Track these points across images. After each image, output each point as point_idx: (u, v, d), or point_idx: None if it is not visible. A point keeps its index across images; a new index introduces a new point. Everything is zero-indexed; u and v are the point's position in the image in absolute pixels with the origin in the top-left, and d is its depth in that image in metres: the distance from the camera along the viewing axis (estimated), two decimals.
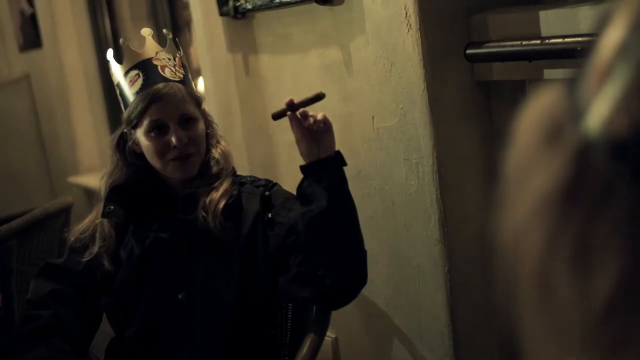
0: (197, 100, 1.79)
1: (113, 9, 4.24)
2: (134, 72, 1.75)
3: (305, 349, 1.76)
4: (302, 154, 1.66)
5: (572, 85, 0.43)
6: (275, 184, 1.85)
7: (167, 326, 1.74)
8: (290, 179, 1.93)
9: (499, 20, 1.84)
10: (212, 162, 1.79)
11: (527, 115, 0.46)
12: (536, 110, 0.45)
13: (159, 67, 1.75)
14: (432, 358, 2.08)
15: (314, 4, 2.15)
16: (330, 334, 2.33)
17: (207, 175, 1.77)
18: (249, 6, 2.41)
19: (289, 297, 1.79)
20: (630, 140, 0.39)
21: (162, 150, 1.72)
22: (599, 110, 0.40)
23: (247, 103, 2.59)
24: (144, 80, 1.73)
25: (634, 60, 0.40)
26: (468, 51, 1.87)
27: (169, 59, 1.78)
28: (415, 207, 1.99)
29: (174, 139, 1.70)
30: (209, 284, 1.72)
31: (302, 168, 1.67)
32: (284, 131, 2.43)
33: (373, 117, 2.07)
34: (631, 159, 0.39)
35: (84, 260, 1.78)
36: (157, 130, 1.72)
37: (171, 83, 1.74)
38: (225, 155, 1.81)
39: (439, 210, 1.91)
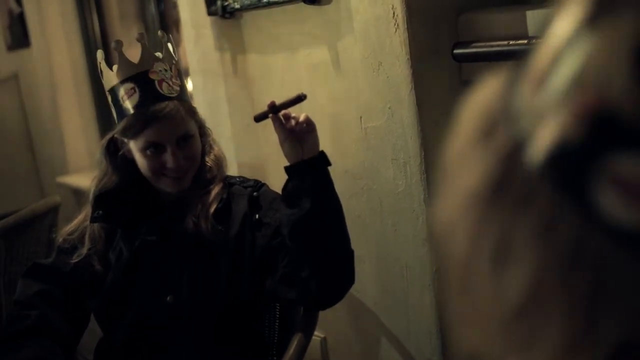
0: (193, 112, 1.75)
1: (102, 8, 4.23)
2: (129, 85, 1.67)
3: (292, 348, 1.77)
4: (286, 156, 1.65)
5: (510, 83, 0.44)
6: (263, 184, 1.84)
7: (156, 329, 1.73)
8: (278, 178, 1.93)
9: (486, 20, 1.85)
10: (206, 169, 1.77)
11: (467, 107, 0.46)
12: (476, 103, 0.46)
13: (155, 83, 1.68)
14: (420, 357, 2.08)
15: (302, 4, 2.15)
16: (318, 334, 2.33)
17: (199, 181, 1.75)
18: (237, 6, 2.41)
19: (277, 298, 1.79)
20: (555, 151, 0.40)
21: (157, 168, 1.70)
22: (530, 117, 0.42)
23: (236, 102, 2.59)
24: (140, 96, 1.66)
25: (568, 71, 0.41)
26: (455, 51, 1.87)
27: (166, 70, 1.70)
28: (403, 207, 1.99)
29: (170, 161, 1.67)
30: (197, 286, 1.71)
31: (286, 169, 1.66)
32: (272, 131, 2.43)
33: (361, 117, 2.07)
34: (553, 169, 0.40)
35: (72, 261, 1.77)
36: (153, 148, 1.68)
37: (170, 103, 1.67)
38: (219, 162, 1.80)
39: (427, 210, 1.92)
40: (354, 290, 2.20)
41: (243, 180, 1.84)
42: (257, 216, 1.75)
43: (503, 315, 0.43)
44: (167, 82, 1.69)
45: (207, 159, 1.77)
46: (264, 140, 2.48)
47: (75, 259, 1.77)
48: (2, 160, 4.68)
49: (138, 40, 1.74)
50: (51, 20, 4.26)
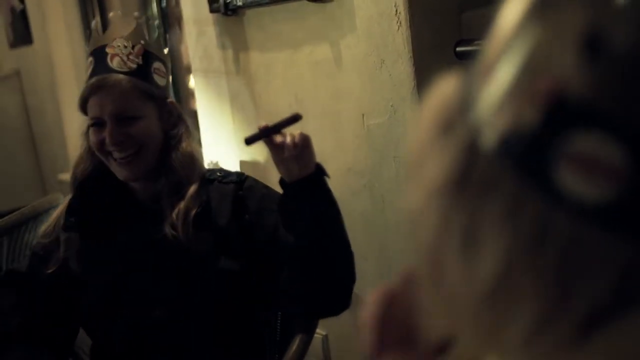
0: (150, 94, 1.63)
1: (104, 5, 4.22)
2: (90, 59, 1.65)
3: (294, 347, 1.76)
4: (282, 174, 1.55)
5: (466, 78, 0.48)
6: (247, 178, 1.71)
7: (149, 343, 1.65)
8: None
9: (489, 18, 1.84)
10: (174, 167, 1.63)
11: (427, 104, 0.49)
12: (435, 100, 0.49)
13: (108, 56, 1.61)
14: None
15: (305, 1, 2.14)
16: (320, 331, 2.33)
17: (170, 180, 1.63)
18: (240, 3, 2.41)
19: (278, 310, 1.75)
20: (512, 137, 0.43)
21: (98, 146, 1.60)
22: (487, 107, 0.45)
23: (238, 100, 2.59)
24: (92, 69, 1.63)
25: (519, 59, 0.44)
26: (458, 49, 1.87)
27: (125, 47, 1.63)
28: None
29: (107, 137, 1.58)
30: (185, 298, 1.62)
31: (282, 187, 1.56)
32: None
33: (363, 115, 2.07)
34: (513, 154, 0.43)
35: (48, 271, 1.67)
36: (96, 124, 1.59)
37: (115, 75, 1.59)
38: (188, 160, 1.65)
39: None
40: (356, 288, 2.19)
41: (224, 175, 1.71)
42: (246, 217, 1.64)
43: (476, 299, 0.45)
44: (120, 58, 1.62)
45: (173, 155, 1.64)
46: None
47: (51, 268, 1.66)
48: (3, 157, 4.68)
49: (110, 18, 1.73)
50: (53, 17, 4.26)
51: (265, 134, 1.48)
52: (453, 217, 0.46)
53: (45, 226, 1.73)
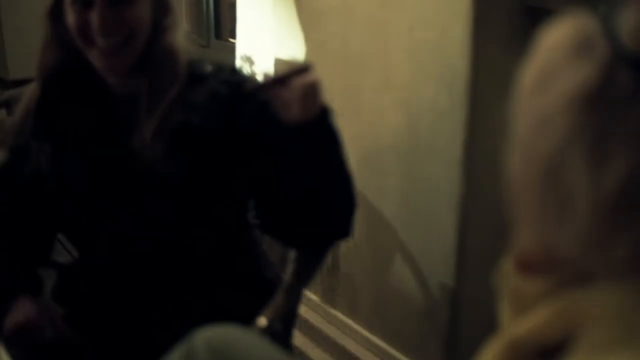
0: None
1: None
2: None
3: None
4: (283, 118, 1.32)
5: (604, 5, 0.48)
6: (245, 78, 1.45)
7: (134, 259, 1.48)
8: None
9: None
10: (155, 61, 1.40)
11: (553, 32, 0.51)
12: (563, 28, 0.50)
13: None
14: (434, 279, 2.08)
15: None
16: None
17: (149, 77, 1.40)
18: None
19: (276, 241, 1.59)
20: None
21: (83, 29, 1.35)
22: (626, 27, 0.46)
23: None
24: None
25: None
26: None
27: None
28: (442, 126, 1.95)
29: (95, 19, 1.33)
30: (167, 219, 1.44)
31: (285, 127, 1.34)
32: (316, 27, 2.36)
33: (411, 28, 2.01)
34: None
35: (25, 171, 1.50)
36: (80, 2, 1.35)
37: None
38: (170, 55, 1.41)
39: (466, 132, 1.88)
40: (374, 199, 2.18)
41: (216, 70, 1.46)
42: (240, 127, 1.41)
43: (595, 208, 0.47)
44: None
45: (155, 48, 1.40)
46: (306, 37, 2.42)
47: (26, 169, 1.50)
48: (34, 23, 4.62)
49: None
50: None
51: (272, 84, 1.30)
52: (586, 128, 0.47)
53: (15, 123, 1.51)
